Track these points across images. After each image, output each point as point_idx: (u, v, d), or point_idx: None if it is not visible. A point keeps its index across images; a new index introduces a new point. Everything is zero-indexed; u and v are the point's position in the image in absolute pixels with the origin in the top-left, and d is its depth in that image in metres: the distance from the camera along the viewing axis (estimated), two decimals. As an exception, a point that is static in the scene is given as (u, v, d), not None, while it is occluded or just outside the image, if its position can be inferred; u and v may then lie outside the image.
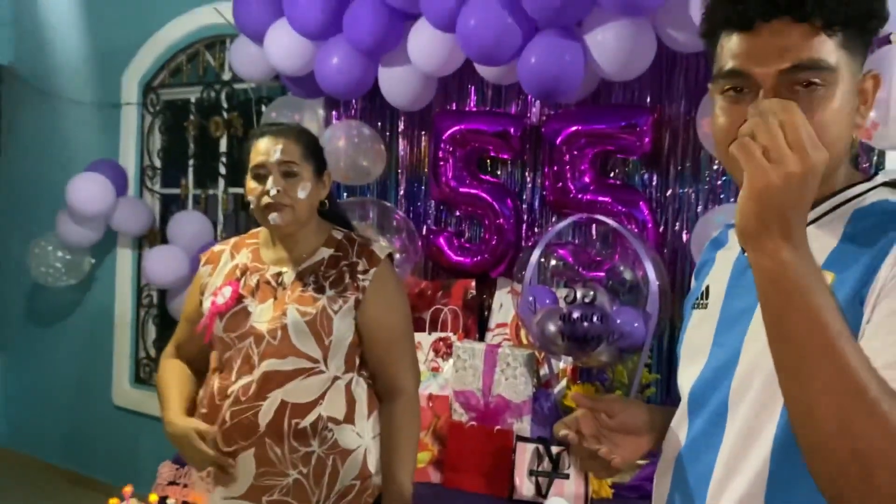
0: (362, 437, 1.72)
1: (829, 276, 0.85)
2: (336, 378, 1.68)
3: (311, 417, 1.64)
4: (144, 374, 4.15)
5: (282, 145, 1.65)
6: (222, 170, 3.86)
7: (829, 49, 0.84)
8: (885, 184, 0.93)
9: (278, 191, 1.63)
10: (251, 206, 1.69)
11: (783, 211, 0.74)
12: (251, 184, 1.68)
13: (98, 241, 4.03)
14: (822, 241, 0.88)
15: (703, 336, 1.01)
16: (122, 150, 4.13)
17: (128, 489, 1.47)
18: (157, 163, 4.12)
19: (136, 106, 4.09)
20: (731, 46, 0.88)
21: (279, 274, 1.71)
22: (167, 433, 1.71)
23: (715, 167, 2.51)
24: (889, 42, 2.16)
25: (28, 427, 4.58)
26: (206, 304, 1.73)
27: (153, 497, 1.44)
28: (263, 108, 3.51)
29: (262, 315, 1.67)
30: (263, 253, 1.76)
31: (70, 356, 4.39)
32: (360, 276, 1.70)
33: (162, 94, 4.08)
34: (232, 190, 3.86)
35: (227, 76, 3.82)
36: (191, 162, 4.01)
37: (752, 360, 0.90)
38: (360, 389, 1.73)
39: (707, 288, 1.05)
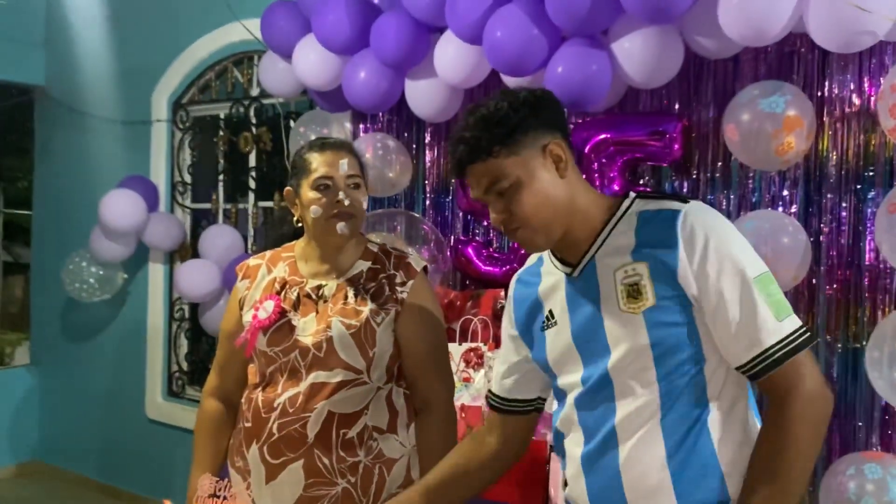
0: (405, 447, 1.75)
1: (643, 265, 1.23)
2: (378, 388, 1.71)
3: (357, 427, 1.67)
4: (177, 388, 4.20)
5: (347, 159, 1.71)
6: (252, 184, 3.90)
7: (496, 164, 1.24)
8: (638, 196, 1.30)
9: (349, 201, 1.68)
10: (314, 217, 1.68)
11: None
12: (312, 195, 1.69)
13: (130, 257, 4.09)
14: (622, 245, 1.27)
15: (564, 346, 1.32)
16: (152, 166, 4.19)
17: (167, 502, 1.49)
18: (188, 178, 4.18)
19: (166, 123, 4.15)
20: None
21: (319, 287, 1.72)
22: (190, 486, 1.76)
23: (747, 174, 2.49)
24: None
25: (62, 440, 4.65)
26: (247, 318, 1.74)
27: (194, 508, 1.45)
28: (292, 122, 3.55)
29: (306, 328, 1.69)
30: (301, 266, 1.77)
31: (104, 370, 4.46)
32: (399, 289, 1.72)
33: (191, 111, 4.14)
34: (262, 203, 3.90)
35: (255, 92, 3.87)
36: (220, 177, 4.06)
37: (619, 343, 1.25)
38: (400, 399, 1.76)
39: (550, 311, 1.35)
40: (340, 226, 1.67)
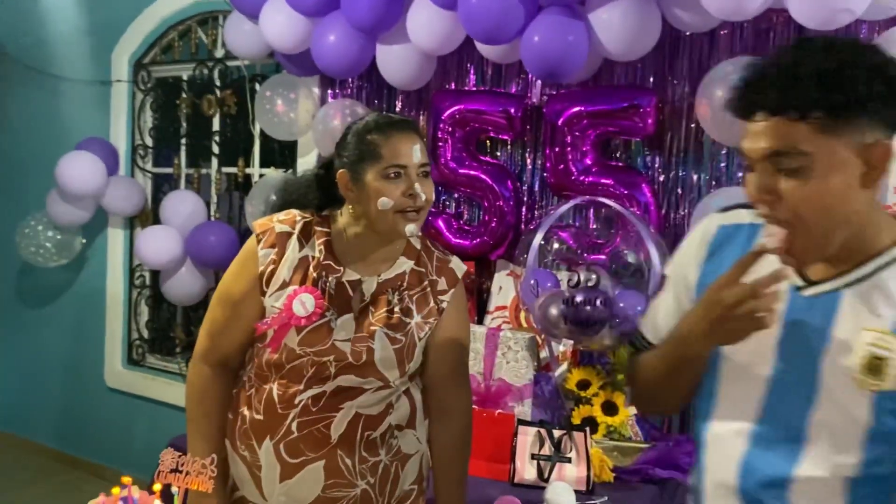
0: (421, 443, 1.68)
1: None
2: (400, 386, 1.62)
3: (381, 428, 1.59)
4: (137, 356, 4.11)
5: (419, 144, 1.51)
6: (215, 149, 3.80)
7: (802, 135, 0.95)
8: None
9: (424, 196, 1.49)
10: (382, 209, 1.48)
11: None
12: (380, 184, 1.47)
13: (89, 221, 3.96)
14: (885, 299, 1.00)
15: (760, 354, 1.07)
16: (112, 128, 4.05)
17: (127, 479, 1.44)
18: (149, 141, 4.05)
19: (127, 83, 4.01)
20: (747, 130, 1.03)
21: (359, 281, 1.57)
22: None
23: (720, 150, 2.48)
24: (898, 23, 2.14)
25: (20, 409, 4.54)
26: (274, 303, 1.54)
27: (156, 486, 1.41)
28: (257, 86, 3.45)
29: (343, 331, 1.54)
30: (338, 248, 1.57)
31: (61, 337, 4.35)
32: (441, 298, 1.60)
33: (153, 72, 4.00)
34: (225, 169, 3.80)
35: (220, 53, 3.75)
36: (183, 141, 3.95)
37: (829, 403, 1.02)
38: (417, 393, 1.67)
39: None
40: (410, 228, 1.49)
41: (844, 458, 1.01)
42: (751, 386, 1.10)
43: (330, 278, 1.55)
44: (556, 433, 2.20)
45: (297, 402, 1.55)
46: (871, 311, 0.99)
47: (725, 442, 1.12)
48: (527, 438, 2.22)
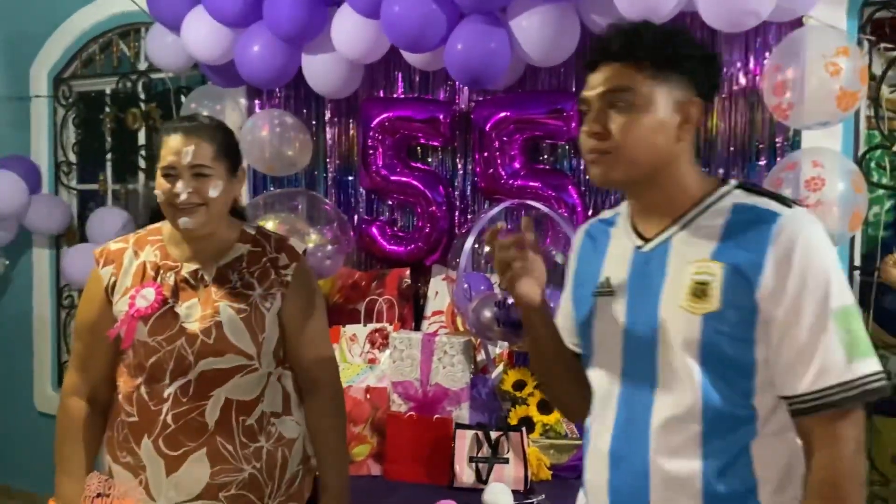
0: (300, 425, 1.76)
1: (719, 266, 1.13)
2: (269, 374, 1.69)
3: (255, 414, 1.66)
4: (68, 378, 3.99)
5: (193, 146, 1.57)
6: (142, 163, 3.72)
7: (636, 79, 1.16)
8: (738, 186, 1.21)
9: (189, 193, 1.56)
10: (160, 204, 1.61)
11: None
12: (160, 181, 1.60)
13: (12, 242, 3.83)
14: (704, 235, 1.16)
15: (613, 320, 1.24)
16: (33, 145, 3.93)
17: (53, 502, 1.40)
18: (73, 158, 3.94)
19: (47, 99, 3.89)
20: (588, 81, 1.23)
21: (197, 271, 1.66)
22: (59, 494, 1.63)
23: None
24: (801, 24, 2.23)
25: (-56, 439, 4.35)
26: (120, 307, 1.64)
27: (80, 511, 1.37)
28: (183, 98, 3.39)
29: (190, 314, 1.62)
30: (171, 250, 1.68)
31: (-13, 363, 4.19)
32: (283, 272, 1.69)
33: (74, 86, 3.89)
34: (153, 184, 3.71)
35: (143, 66, 3.68)
36: (108, 156, 3.85)
37: (669, 328, 1.16)
38: (289, 381, 1.75)
39: (608, 278, 1.27)
40: (183, 220, 1.58)
41: (689, 395, 1.14)
42: (613, 348, 1.25)
43: (168, 274, 1.64)
44: (494, 435, 2.23)
45: (166, 395, 1.61)
46: (694, 248, 1.17)
47: (601, 411, 1.27)
48: (465, 442, 2.24)
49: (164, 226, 1.70)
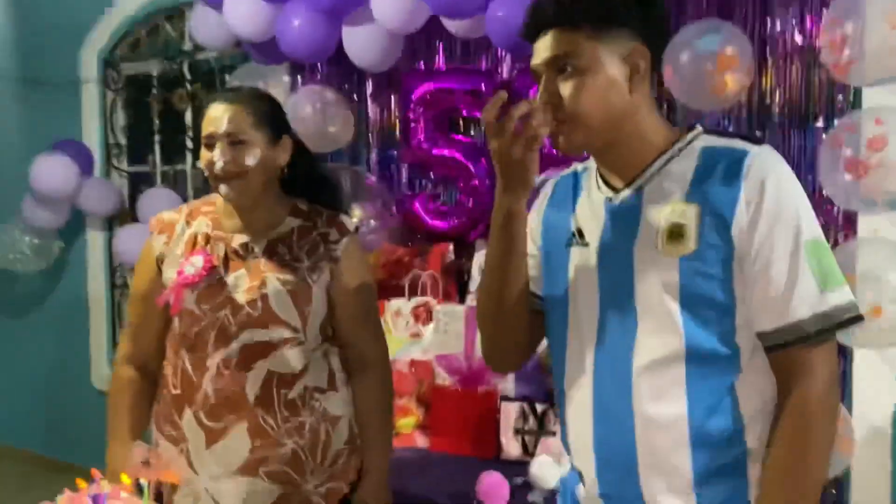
0: (348, 403, 1.71)
1: (694, 207, 1.12)
2: (315, 349, 1.66)
3: (298, 388, 1.62)
4: (123, 357, 4.09)
5: (230, 113, 1.56)
6: (189, 144, 3.76)
7: (576, 40, 1.13)
8: (705, 132, 1.19)
9: (226, 161, 1.55)
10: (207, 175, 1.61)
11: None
12: (203, 152, 1.59)
13: (66, 224, 3.92)
14: (676, 180, 1.15)
15: (588, 271, 1.21)
16: (84, 128, 4.01)
17: (96, 472, 1.42)
18: (122, 140, 4.01)
19: (97, 82, 3.96)
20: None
21: (246, 244, 1.64)
22: (109, 459, 1.68)
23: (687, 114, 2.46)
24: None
25: (7, 417, 4.50)
26: (169, 275, 1.64)
27: (125, 478, 1.38)
28: (227, 77, 3.41)
29: (238, 284, 1.61)
30: (224, 222, 1.67)
31: (46, 342, 4.31)
32: (333, 246, 1.65)
33: (123, 69, 3.95)
34: (200, 164, 3.76)
35: (188, 47, 3.71)
36: (157, 138, 3.91)
37: (647, 273, 1.15)
38: (336, 358, 1.71)
39: (580, 230, 1.24)
40: (223, 189, 1.57)
41: (671, 338, 1.13)
42: (588, 299, 1.21)
43: (218, 244, 1.63)
44: (540, 407, 2.19)
45: (208, 365, 1.60)
46: (666, 194, 1.16)
47: (577, 365, 1.22)
48: (510, 414, 2.21)
49: (219, 198, 1.68)
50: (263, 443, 1.60)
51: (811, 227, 1.12)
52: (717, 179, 1.12)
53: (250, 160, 1.57)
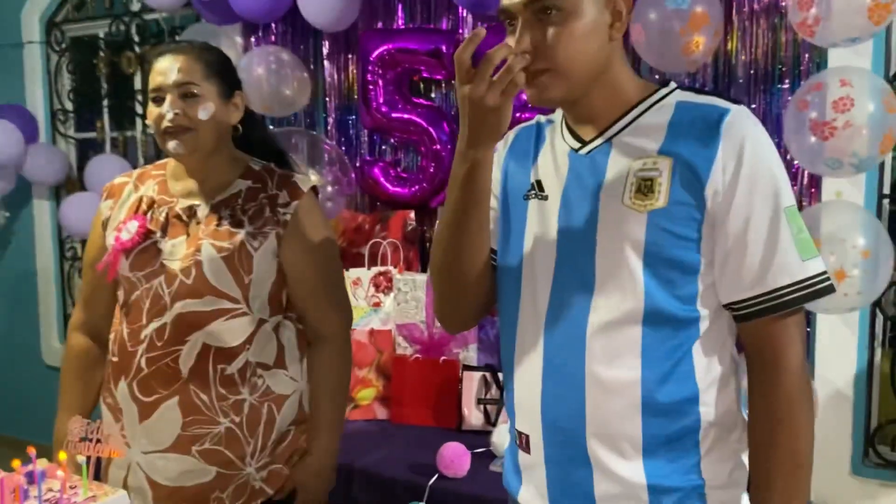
0: (297, 381, 1.60)
1: (667, 161, 1.06)
2: (262, 321, 1.55)
3: (238, 363, 1.51)
4: (75, 331, 3.96)
5: (179, 64, 1.48)
6: (139, 109, 3.61)
7: None
8: (680, 88, 1.14)
9: (176, 114, 1.46)
10: (153, 134, 1.52)
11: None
12: (150, 108, 1.50)
13: (11, 193, 3.76)
14: (649, 133, 1.09)
15: (546, 224, 1.15)
16: (28, 93, 3.83)
17: (32, 449, 1.33)
18: (69, 105, 3.84)
19: (40, 44, 3.77)
20: None
21: (191, 207, 1.54)
22: (55, 432, 1.64)
23: (653, 75, 2.41)
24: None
25: (-47, 393, 4.36)
26: (109, 241, 1.56)
27: (62, 455, 1.30)
28: (177, 38, 3.27)
29: (174, 252, 1.52)
30: (171, 185, 1.58)
31: (-7, 317, 4.16)
32: (281, 210, 1.54)
33: (67, 31, 3.77)
34: (151, 130, 3.61)
35: (136, 7, 3.54)
36: (105, 102, 3.75)
37: (610, 228, 1.09)
38: (289, 332, 1.60)
39: (539, 181, 1.17)
40: (172, 144, 1.48)
41: (630, 298, 1.07)
42: (545, 253, 1.14)
43: (161, 209, 1.56)
44: (502, 376, 2.15)
45: (142, 336, 1.52)
46: (637, 146, 1.09)
47: (529, 323, 1.16)
48: (472, 384, 2.17)
49: (171, 160, 1.61)
50: (196, 419, 1.50)
51: (789, 193, 1.07)
52: (692, 135, 1.06)
53: (203, 114, 1.48)
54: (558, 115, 1.21)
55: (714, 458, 1.11)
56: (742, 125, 1.05)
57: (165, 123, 1.46)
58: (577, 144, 1.15)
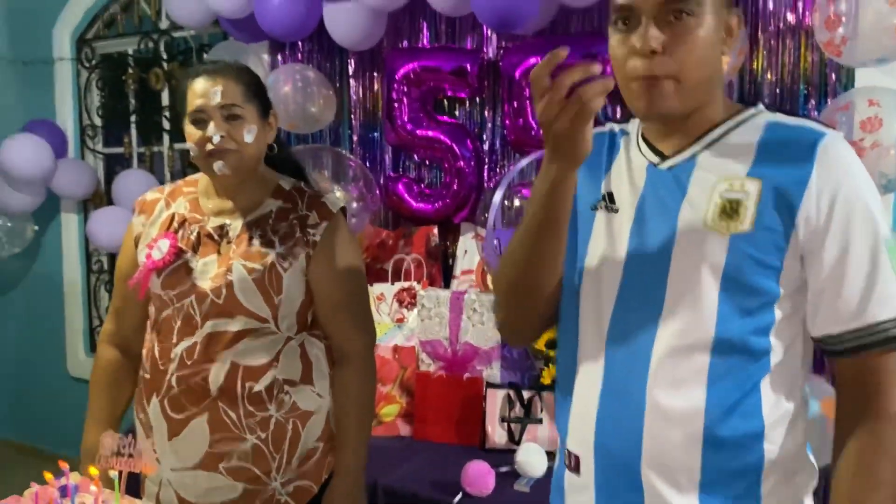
0: (323, 398, 1.61)
1: (755, 184, 1.01)
2: (289, 339, 1.56)
3: (265, 381, 1.53)
4: (100, 343, 4.00)
5: (221, 86, 1.49)
6: (166, 125, 3.66)
7: None
8: (768, 108, 1.09)
9: (222, 136, 1.48)
10: (192, 155, 1.53)
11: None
12: (190, 130, 1.51)
13: (40, 207, 3.82)
14: (737, 153, 1.04)
15: (615, 240, 1.10)
16: (58, 109, 3.89)
17: (64, 464, 1.35)
18: (97, 121, 3.90)
19: (71, 61, 3.84)
20: None
21: (222, 226, 1.56)
22: (83, 444, 1.66)
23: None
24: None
25: (-19, 404, 4.41)
26: (141, 258, 1.58)
27: (93, 470, 1.32)
28: (205, 56, 3.32)
29: (205, 271, 1.53)
30: (203, 203, 1.60)
31: (19, 328, 4.20)
32: (311, 231, 1.55)
33: (97, 48, 3.84)
34: (178, 146, 3.67)
35: (164, 24, 3.60)
36: (133, 118, 3.80)
37: (688, 249, 1.03)
38: (316, 349, 1.61)
39: (610, 193, 1.13)
40: (217, 165, 1.49)
41: (701, 324, 1.02)
42: (610, 269, 1.09)
43: (192, 227, 1.57)
44: (526, 394, 2.15)
45: (172, 355, 1.54)
46: (724, 166, 1.05)
47: (590, 341, 1.11)
48: (496, 402, 2.16)
49: (203, 177, 1.62)
50: (223, 437, 1.52)
51: (886, 223, 1.01)
52: (784, 159, 1.01)
53: (248, 136, 1.51)
54: (633, 125, 1.16)
55: (774, 500, 1.05)
56: (837, 151, 1.00)
57: (210, 146, 1.48)
58: (656, 158, 1.10)
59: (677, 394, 1.03)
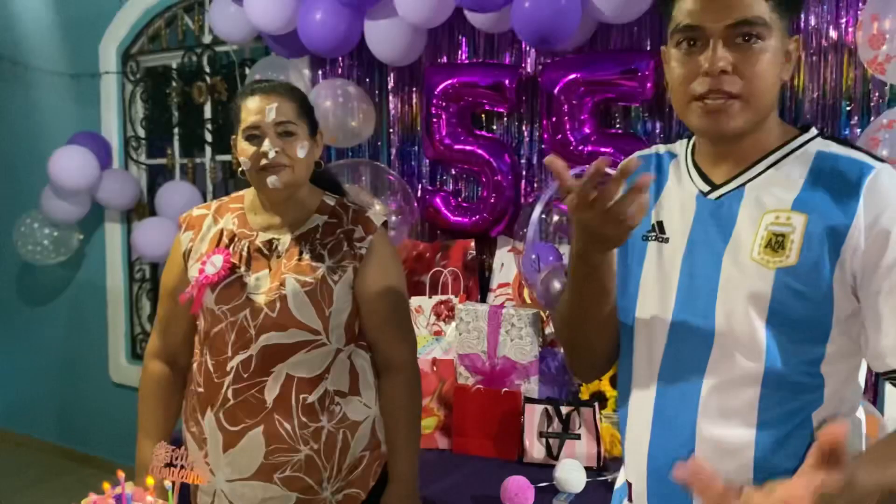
0: (370, 408, 1.66)
1: (801, 217, 1.01)
2: (339, 350, 1.61)
3: (318, 392, 1.58)
4: (141, 350, 4.08)
5: (276, 104, 1.54)
6: (208, 137, 3.74)
7: (764, 9, 1.01)
8: (821, 135, 1.09)
9: (277, 152, 1.53)
10: (245, 170, 1.57)
11: None
12: (244, 145, 1.56)
13: (85, 216, 3.92)
14: (784, 184, 1.04)
15: (666, 270, 1.10)
16: (103, 121, 3.99)
17: (121, 473, 1.39)
18: (141, 133, 4.00)
19: (116, 75, 3.95)
20: (686, 5, 1.03)
21: (271, 241, 1.61)
22: (137, 457, 1.69)
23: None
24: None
25: (24, 408, 4.52)
26: (192, 273, 1.62)
27: (150, 481, 1.36)
28: (247, 70, 3.38)
29: (258, 286, 1.57)
30: (251, 218, 1.64)
31: (63, 334, 4.32)
32: (357, 244, 1.60)
33: (142, 62, 3.93)
34: (219, 157, 3.74)
35: (207, 39, 3.68)
36: (176, 130, 3.89)
37: (735, 281, 1.03)
38: (362, 360, 1.66)
39: (661, 222, 1.13)
40: (271, 179, 1.54)
41: (750, 357, 1.02)
42: (662, 300, 1.10)
43: (242, 242, 1.61)
44: (564, 409, 2.15)
45: (228, 368, 1.57)
46: (772, 197, 1.05)
47: (643, 371, 1.12)
48: (534, 416, 2.17)
49: (248, 193, 1.68)
50: (278, 447, 1.57)
51: None
52: (831, 190, 1.01)
53: (301, 152, 1.56)
54: (681, 147, 1.17)
55: None
56: (887, 184, 0.99)
57: (265, 161, 1.53)
58: (706, 187, 1.10)
59: (728, 426, 1.04)
